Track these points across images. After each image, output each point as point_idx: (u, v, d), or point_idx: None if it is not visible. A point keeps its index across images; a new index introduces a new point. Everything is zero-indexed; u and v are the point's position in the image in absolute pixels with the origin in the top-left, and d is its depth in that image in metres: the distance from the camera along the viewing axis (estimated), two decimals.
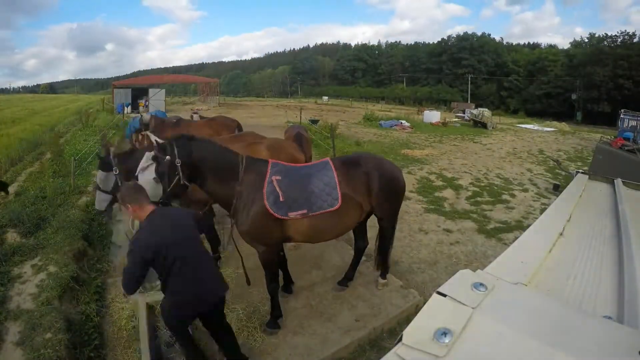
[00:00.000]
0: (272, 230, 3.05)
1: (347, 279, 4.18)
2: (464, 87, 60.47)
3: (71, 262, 4.29)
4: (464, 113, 31.75)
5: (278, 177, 3.04)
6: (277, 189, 3.00)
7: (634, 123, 12.95)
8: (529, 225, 1.68)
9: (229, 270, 4.33)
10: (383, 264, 4.11)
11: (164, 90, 29.19)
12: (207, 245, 4.02)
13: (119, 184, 3.80)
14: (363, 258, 4.48)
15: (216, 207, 4.71)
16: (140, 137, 7.27)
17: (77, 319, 3.53)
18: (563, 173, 10.27)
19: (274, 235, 3.10)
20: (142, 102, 26.31)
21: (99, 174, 3.86)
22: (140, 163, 3.13)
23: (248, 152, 4.62)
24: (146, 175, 3.05)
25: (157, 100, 27.18)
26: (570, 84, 50.02)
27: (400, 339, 0.77)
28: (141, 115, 9.61)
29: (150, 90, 28.21)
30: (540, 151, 15.32)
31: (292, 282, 4.07)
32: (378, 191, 3.44)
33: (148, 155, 3.02)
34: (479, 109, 27.51)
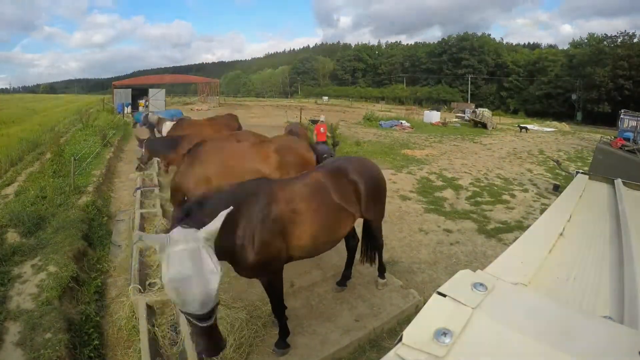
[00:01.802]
0: (280, 252, 2.89)
1: (345, 279, 4.19)
2: (464, 87, 60.48)
3: (71, 262, 4.29)
4: (464, 113, 31.77)
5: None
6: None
7: (634, 123, 12.94)
8: (529, 226, 1.68)
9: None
10: (379, 263, 4.15)
11: (164, 90, 29.24)
12: None
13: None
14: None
15: None
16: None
17: (77, 319, 3.53)
18: (563, 173, 10.28)
19: (281, 258, 2.94)
20: (142, 102, 26.32)
21: None
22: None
23: (253, 154, 4.61)
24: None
25: (157, 100, 27.20)
26: (570, 84, 50.01)
27: (400, 339, 0.77)
28: (148, 114, 9.94)
29: (150, 90, 28.24)
30: (540, 151, 15.32)
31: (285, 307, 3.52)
32: (366, 196, 3.47)
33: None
34: (479, 109, 27.53)
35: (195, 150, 4.41)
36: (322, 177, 3.27)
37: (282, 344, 3.19)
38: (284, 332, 3.22)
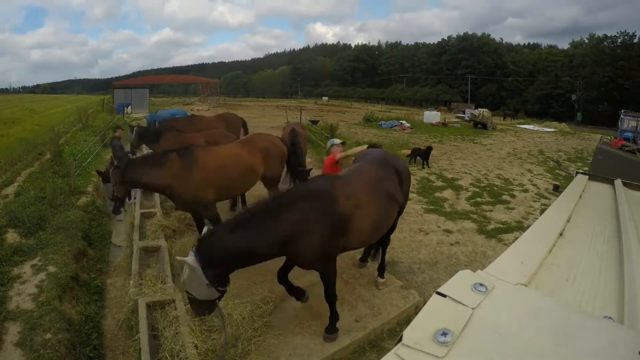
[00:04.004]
0: (338, 242, 3.03)
1: (367, 257, 4.50)
2: (464, 87, 60.43)
3: (71, 262, 4.29)
4: (464, 113, 31.76)
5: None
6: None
7: (634, 123, 12.91)
8: (529, 226, 1.68)
9: None
10: (382, 259, 4.19)
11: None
12: None
13: (114, 192, 4.37)
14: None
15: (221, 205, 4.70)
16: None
17: (77, 319, 3.53)
18: (563, 173, 10.27)
19: (338, 248, 3.10)
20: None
21: (101, 185, 4.59)
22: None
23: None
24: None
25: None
26: (570, 85, 50.00)
27: (400, 340, 0.77)
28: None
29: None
30: (540, 152, 15.31)
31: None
32: (406, 189, 3.75)
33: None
34: (479, 109, 27.51)
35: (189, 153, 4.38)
36: (376, 169, 3.48)
37: (332, 329, 3.32)
38: (335, 317, 3.35)
